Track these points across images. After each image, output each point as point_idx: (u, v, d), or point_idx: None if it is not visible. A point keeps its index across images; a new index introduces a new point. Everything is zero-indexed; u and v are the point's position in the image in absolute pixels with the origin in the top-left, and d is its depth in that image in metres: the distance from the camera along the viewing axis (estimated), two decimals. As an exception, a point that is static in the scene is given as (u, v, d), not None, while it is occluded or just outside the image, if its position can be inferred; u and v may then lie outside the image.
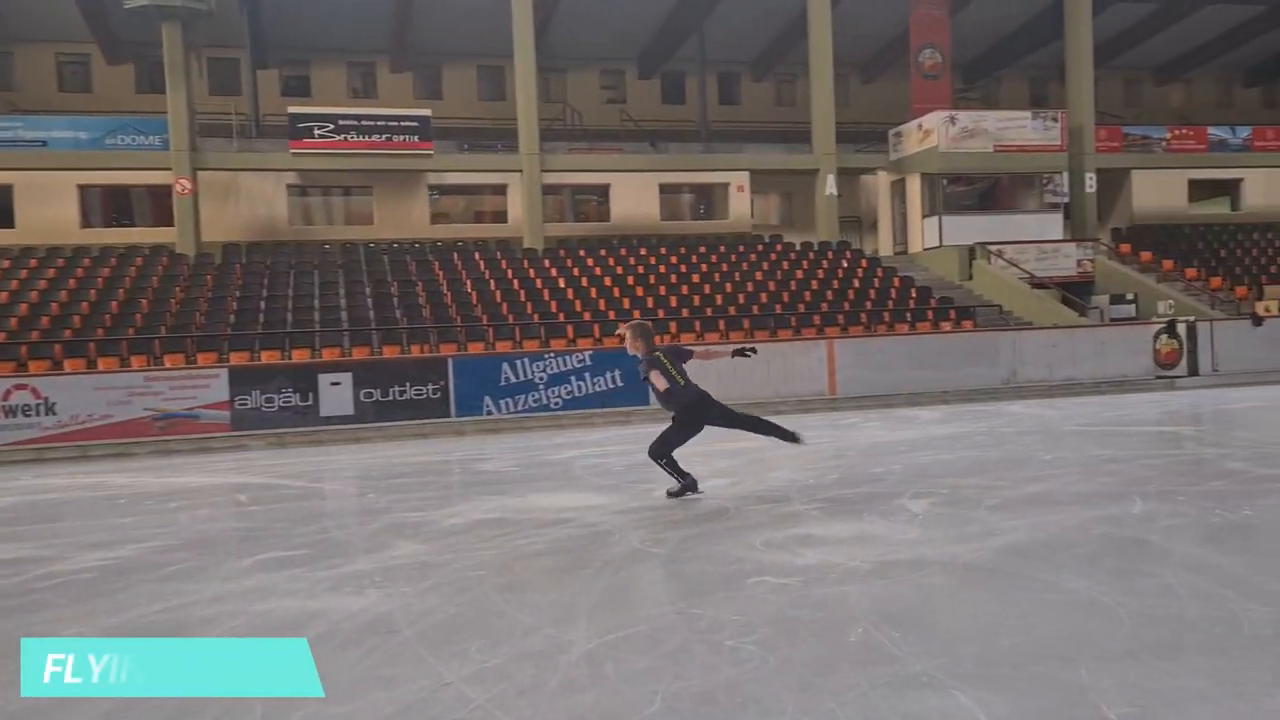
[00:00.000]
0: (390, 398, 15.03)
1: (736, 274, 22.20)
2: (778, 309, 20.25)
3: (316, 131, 23.05)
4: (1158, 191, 27.95)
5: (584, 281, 21.31)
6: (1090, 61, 26.26)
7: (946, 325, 19.32)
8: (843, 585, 5.02)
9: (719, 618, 4.54)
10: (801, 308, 20.40)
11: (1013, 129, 25.01)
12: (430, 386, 15.21)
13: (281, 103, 26.42)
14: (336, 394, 14.75)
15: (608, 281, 21.40)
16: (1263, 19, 30.58)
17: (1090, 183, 25.82)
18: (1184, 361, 17.58)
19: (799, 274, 22.45)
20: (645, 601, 4.92)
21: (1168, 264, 24.28)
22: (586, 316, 19.32)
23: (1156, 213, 27.82)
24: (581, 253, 23.09)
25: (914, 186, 25.57)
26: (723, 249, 23.71)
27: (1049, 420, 12.90)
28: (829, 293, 21.37)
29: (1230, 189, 29.28)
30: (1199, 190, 29.00)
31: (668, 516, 7.20)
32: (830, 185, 24.90)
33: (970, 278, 23.32)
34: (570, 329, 18.63)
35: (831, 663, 3.87)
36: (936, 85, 26.97)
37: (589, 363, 15.64)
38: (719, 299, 20.67)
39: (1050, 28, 29.01)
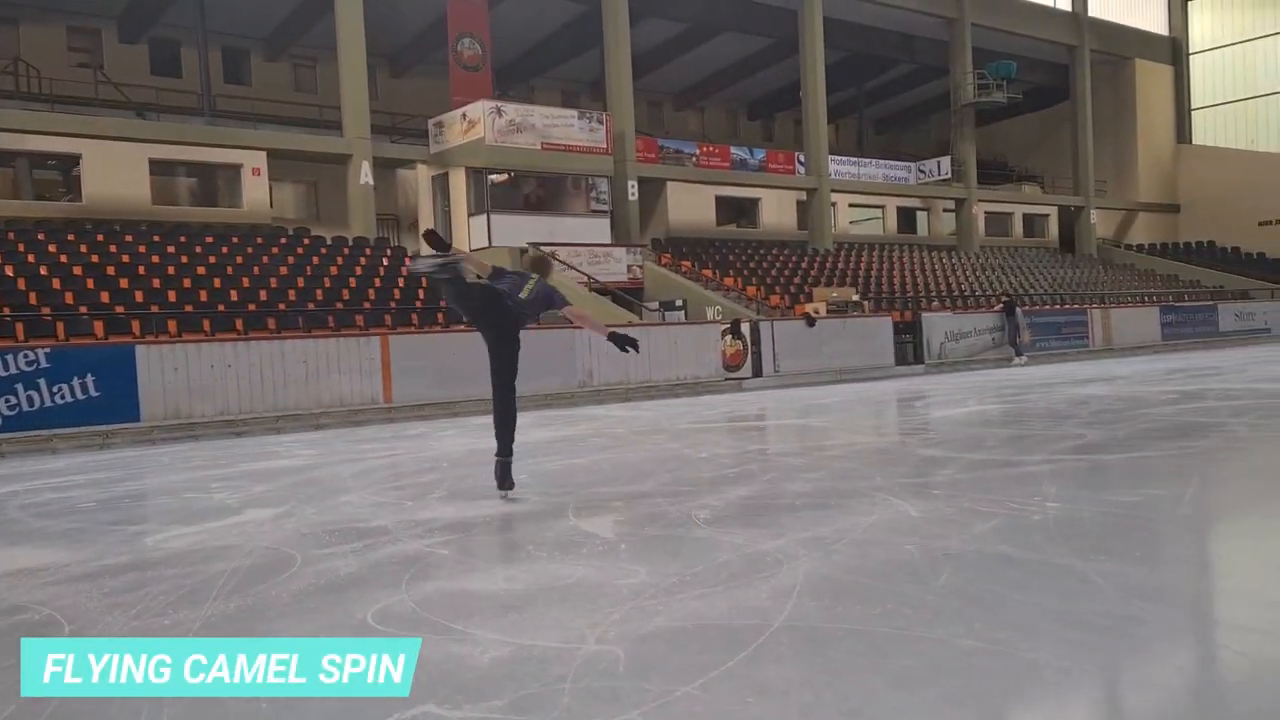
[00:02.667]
0: None
1: (255, 268, 18.22)
2: (310, 306, 16.73)
3: None
4: (690, 206, 28.38)
5: (43, 270, 16.13)
6: (629, 68, 25.87)
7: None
8: (607, 708, 2.26)
9: None
10: (339, 305, 17.07)
11: (560, 127, 23.71)
12: None
13: None
14: None
15: (78, 271, 16.40)
16: (764, 54, 32.72)
17: (633, 191, 25.34)
18: (749, 362, 17.01)
19: (333, 270, 19.02)
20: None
21: (707, 272, 24.41)
22: (45, 312, 14.37)
23: (689, 225, 28.22)
24: (41, 236, 17.66)
25: (459, 181, 23.25)
26: (236, 240, 19.50)
27: (655, 420, 11.06)
28: (370, 291, 18.24)
29: (750, 208, 30.75)
30: (725, 209, 30.04)
31: (179, 576, 3.91)
32: (365, 173, 21.71)
33: (523, 280, 21.42)
34: (20, 327, 13.64)
35: None
36: (477, 77, 24.99)
37: (45, 365, 11.09)
38: (234, 294, 16.64)
39: (585, 36, 28.47)
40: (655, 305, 21.04)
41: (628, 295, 21.30)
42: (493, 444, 5.71)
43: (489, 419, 5.83)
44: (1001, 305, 20.59)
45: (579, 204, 24.69)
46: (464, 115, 23.08)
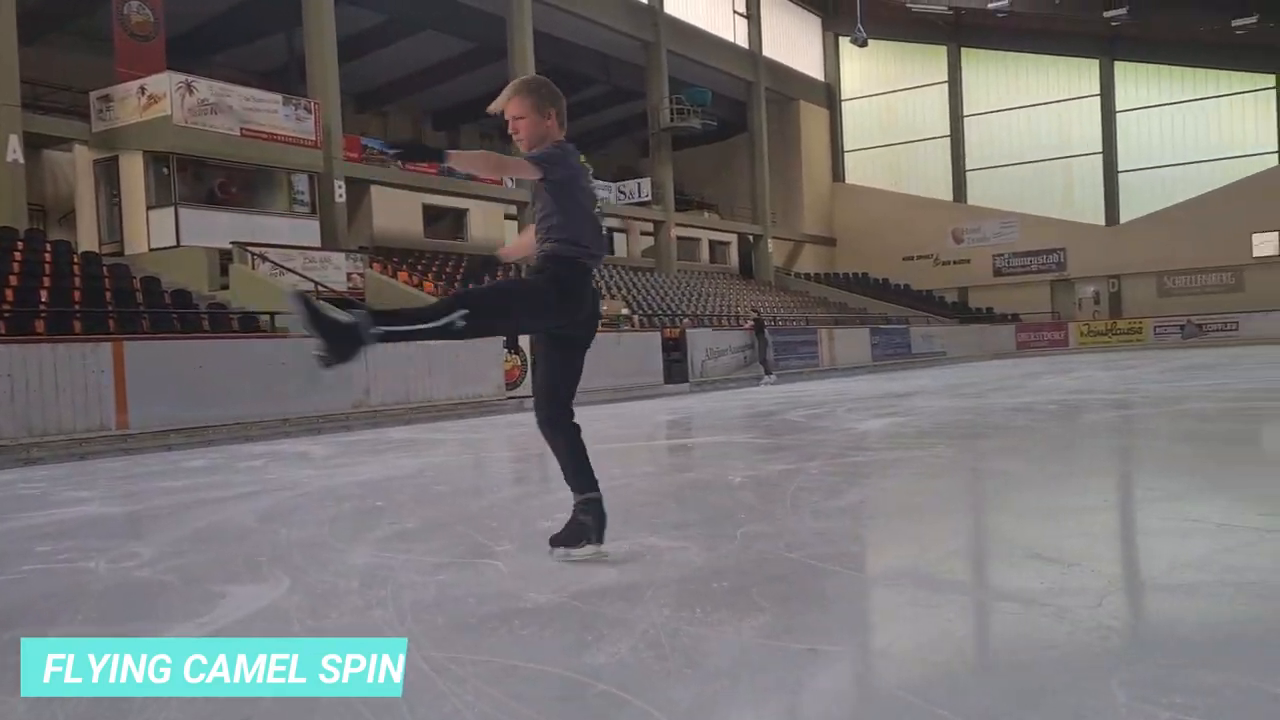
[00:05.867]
0: None
1: None
2: (-37, 309, 12.64)
3: None
4: (397, 213, 25.86)
5: None
6: (334, 50, 22.99)
7: (243, 339, 13.97)
8: None
9: None
10: (6, 310, 13.06)
11: (263, 112, 20.42)
12: None
13: None
14: None
15: None
16: (464, 58, 30.99)
17: (340, 191, 22.50)
18: (527, 380, 15.23)
19: (-22, 266, 14.74)
20: None
21: (429, 285, 22.16)
22: None
23: (397, 234, 25.70)
24: None
25: (134, 168, 19.21)
26: None
27: (516, 439, 9.08)
28: (42, 293, 14.25)
29: (458, 218, 28.72)
30: (433, 219, 27.79)
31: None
32: (14, 149, 17.21)
33: (226, 286, 18.03)
34: None
35: None
36: (148, 48, 20.93)
37: None
38: None
39: (268, 17, 25.23)
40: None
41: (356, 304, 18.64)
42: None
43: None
44: (751, 324, 20.39)
45: (278, 201, 21.51)
46: (143, 89, 19.24)
